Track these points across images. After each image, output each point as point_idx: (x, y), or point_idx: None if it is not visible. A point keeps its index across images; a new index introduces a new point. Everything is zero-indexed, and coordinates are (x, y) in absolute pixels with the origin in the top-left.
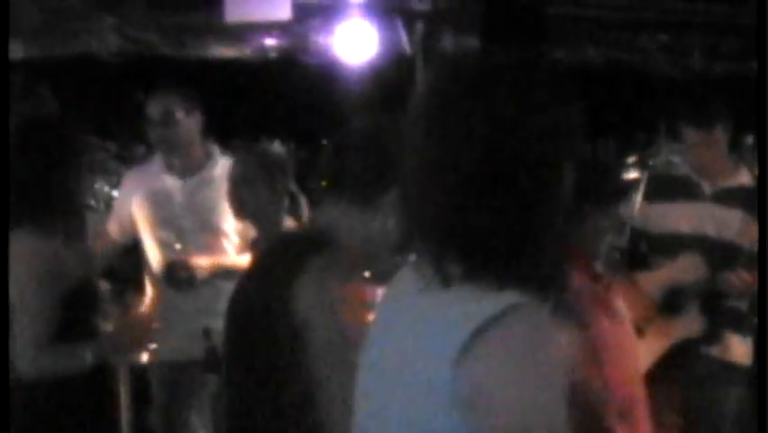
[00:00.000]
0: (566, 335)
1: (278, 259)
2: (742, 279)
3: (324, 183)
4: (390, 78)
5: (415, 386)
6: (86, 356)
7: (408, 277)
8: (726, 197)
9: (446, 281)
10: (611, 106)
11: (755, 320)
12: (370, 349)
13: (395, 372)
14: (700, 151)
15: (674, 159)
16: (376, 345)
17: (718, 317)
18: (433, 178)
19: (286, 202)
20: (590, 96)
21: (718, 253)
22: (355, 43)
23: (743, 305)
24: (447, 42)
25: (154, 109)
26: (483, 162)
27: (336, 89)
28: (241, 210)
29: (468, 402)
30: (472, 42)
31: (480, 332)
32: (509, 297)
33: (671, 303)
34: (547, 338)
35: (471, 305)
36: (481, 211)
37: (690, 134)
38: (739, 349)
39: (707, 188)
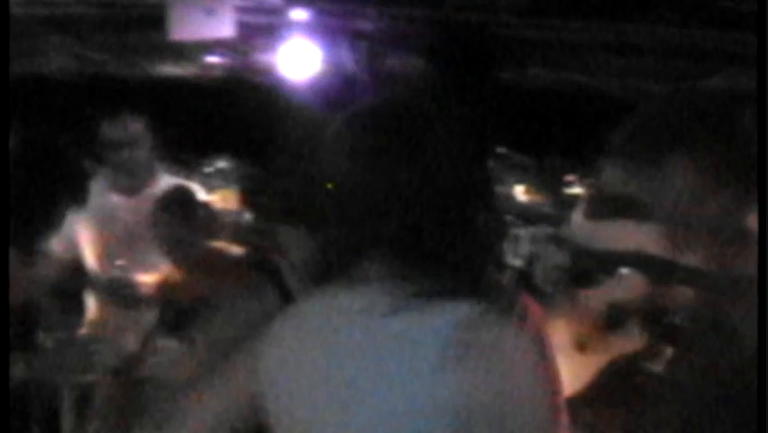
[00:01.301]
0: (529, 340)
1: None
2: (681, 295)
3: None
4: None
5: (398, 402)
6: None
7: (354, 299)
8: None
9: (414, 298)
10: (558, 125)
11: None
12: (328, 373)
13: (371, 393)
14: None
15: (618, 177)
16: (337, 368)
17: (659, 333)
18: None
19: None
20: (538, 115)
21: (659, 270)
22: (300, 62)
23: (682, 320)
24: (392, 62)
25: (119, 131)
26: (428, 184)
27: (281, 107)
28: (183, 269)
29: (452, 407)
30: (418, 63)
31: (458, 338)
32: (473, 306)
33: (612, 320)
34: (516, 341)
35: (441, 317)
36: (437, 229)
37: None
38: None
39: (650, 205)
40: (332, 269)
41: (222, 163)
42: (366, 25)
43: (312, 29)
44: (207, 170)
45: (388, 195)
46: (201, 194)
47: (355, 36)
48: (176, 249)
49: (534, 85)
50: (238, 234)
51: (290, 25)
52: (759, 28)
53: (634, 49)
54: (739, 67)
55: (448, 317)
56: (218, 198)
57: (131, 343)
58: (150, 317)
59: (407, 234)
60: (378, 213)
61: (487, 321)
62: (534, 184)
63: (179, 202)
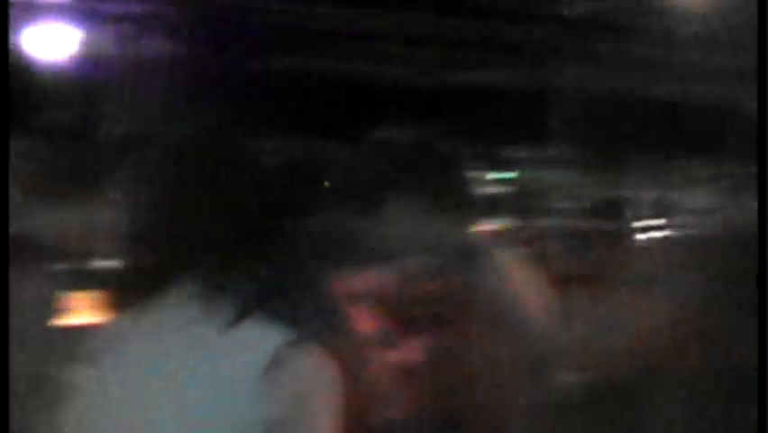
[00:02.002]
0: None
1: None
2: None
3: None
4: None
5: (215, 409)
6: None
7: (175, 309)
8: None
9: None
10: (334, 115)
11: None
12: (126, 375)
13: (178, 401)
14: None
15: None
16: (140, 372)
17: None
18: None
19: None
20: (313, 103)
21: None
22: (56, 45)
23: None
24: (151, 45)
25: None
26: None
27: (34, 90)
28: None
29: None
30: (179, 47)
31: (279, 355)
32: (280, 335)
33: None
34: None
35: (247, 344)
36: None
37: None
38: None
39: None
40: (139, 290)
41: None
42: (125, 8)
43: (69, 11)
44: None
45: (194, 216)
46: None
47: (113, 19)
48: None
49: (308, 74)
50: None
51: (45, 7)
52: (760, 35)
53: (411, 39)
54: (511, 60)
55: (253, 343)
56: None
57: None
58: None
59: (216, 255)
60: (187, 234)
61: (289, 353)
62: None
63: None
